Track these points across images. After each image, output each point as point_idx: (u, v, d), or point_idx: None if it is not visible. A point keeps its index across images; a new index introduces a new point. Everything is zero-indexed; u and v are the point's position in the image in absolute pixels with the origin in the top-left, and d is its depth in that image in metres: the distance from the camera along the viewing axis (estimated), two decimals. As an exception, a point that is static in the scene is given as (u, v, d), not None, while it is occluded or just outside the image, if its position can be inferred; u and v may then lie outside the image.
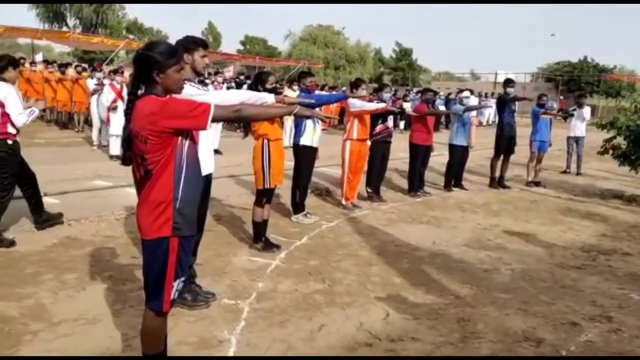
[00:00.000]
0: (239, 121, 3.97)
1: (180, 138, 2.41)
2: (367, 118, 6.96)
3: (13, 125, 4.82)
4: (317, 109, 4.56)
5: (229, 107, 2.56)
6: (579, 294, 4.46)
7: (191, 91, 3.20)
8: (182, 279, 2.61)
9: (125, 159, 2.55)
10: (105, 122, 10.42)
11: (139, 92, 2.45)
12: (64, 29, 39.91)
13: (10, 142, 4.85)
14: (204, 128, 2.43)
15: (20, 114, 4.80)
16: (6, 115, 4.78)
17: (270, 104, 3.56)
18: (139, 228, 2.53)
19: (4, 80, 4.82)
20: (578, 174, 11.40)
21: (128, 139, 2.43)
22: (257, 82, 4.89)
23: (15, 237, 4.92)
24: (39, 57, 21.17)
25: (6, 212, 4.95)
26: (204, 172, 3.27)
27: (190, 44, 3.47)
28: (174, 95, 2.48)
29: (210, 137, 3.71)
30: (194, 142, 2.52)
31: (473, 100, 15.67)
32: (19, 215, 5.44)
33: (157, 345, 2.61)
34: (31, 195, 5.26)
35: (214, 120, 2.39)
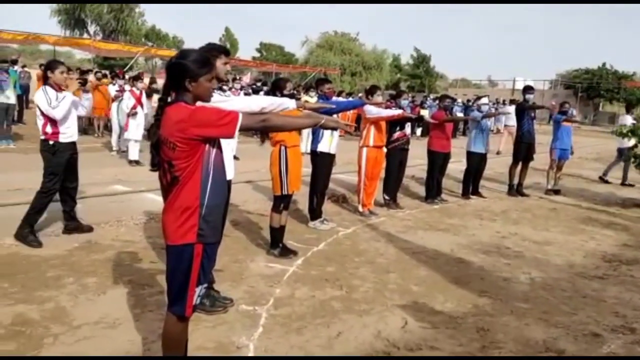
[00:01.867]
0: (265, 130, 3.98)
1: (207, 145, 2.42)
2: (384, 125, 6.95)
3: (55, 125, 5.05)
4: (336, 116, 4.56)
5: (256, 117, 2.57)
6: (600, 304, 4.39)
7: (214, 98, 3.22)
8: (205, 285, 2.63)
9: (153, 164, 2.57)
10: (124, 128, 10.55)
11: (169, 99, 2.47)
12: (85, 35, 40.60)
13: (50, 142, 5.07)
14: (232, 136, 2.44)
15: (47, 109, 4.99)
16: (45, 116, 5.03)
17: (291, 112, 3.56)
18: (164, 234, 2.54)
19: (50, 85, 5.08)
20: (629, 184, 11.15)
21: (156, 145, 2.45)
22: (275, 88, 4.93)
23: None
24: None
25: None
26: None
27: (212, 51, 3.50)
28: (201, 104, 2.49)
29: (230, 144, 3.73)
30: (220, 149, 2.53)
31: (508, 110, 15.32)
32: (41, 219, 5.52)
33: (178, 349, 2.63)
34: (65, 202, 5.40)
35: (241, 129, 2.40)
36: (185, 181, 2.43)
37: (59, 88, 5.11)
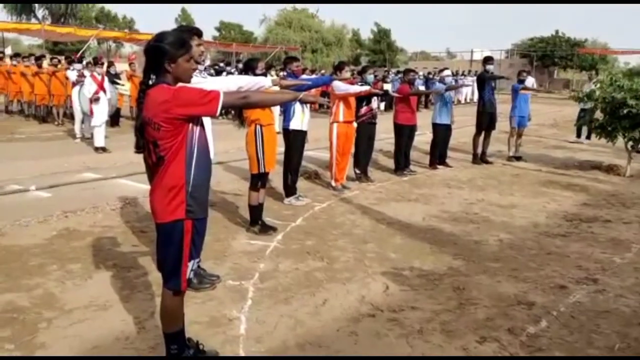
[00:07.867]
0: (246, 107, 4.06)
1: (191, 124, 2.51)
2: (352, 100, 7.08)
3: None
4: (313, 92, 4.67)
5: (236, 94, 2.67)
6: (564, 259, 4.70)
7: (192, 79, 3.28)
8: (197, 260, 2.74)
9: (138, 147, 2.64)
10: (88, 114, 10.33)
11: (150, 82, 2.54)
12: (33, 20, 39.00)
13: None
14: (214, 115, 2.54)
15: None
16: None
17: (270, 89, 3.65)
18: (153, 212, 2.63)
19: None
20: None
21: (141, 127, 2.53)
22: (248, 68, 4.97)
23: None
24: (8, 50, 20.75)
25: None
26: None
27: (184, 33, 3.53)
28: (182, 84, 2.57)
29: (209, 124, 3.80)
30: (203, 128, 2.63)
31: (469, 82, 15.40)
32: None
33: (176, 323, 2.74)
34: None
35: (223, 107, 2.49)
36: (170, 160, 2.51)
37: None
